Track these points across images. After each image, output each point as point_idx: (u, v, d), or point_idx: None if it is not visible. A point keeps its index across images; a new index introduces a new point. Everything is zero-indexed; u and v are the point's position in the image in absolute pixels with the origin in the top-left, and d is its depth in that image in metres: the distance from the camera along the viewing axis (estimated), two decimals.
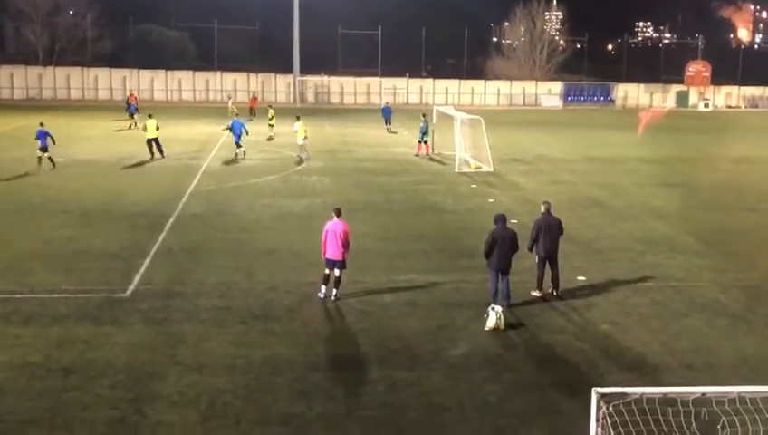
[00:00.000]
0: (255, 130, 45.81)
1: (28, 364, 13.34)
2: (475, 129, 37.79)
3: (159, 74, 78.18)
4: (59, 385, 12.56)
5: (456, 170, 35.48)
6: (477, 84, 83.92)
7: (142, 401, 12.10)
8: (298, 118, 40.40)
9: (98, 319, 15.66)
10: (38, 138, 33.78)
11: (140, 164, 35.65)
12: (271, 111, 49.28)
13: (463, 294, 17.77)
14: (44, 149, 33.69)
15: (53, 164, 33.58)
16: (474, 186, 32.25)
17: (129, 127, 49.84)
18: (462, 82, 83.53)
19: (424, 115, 41.49)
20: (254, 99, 63.54)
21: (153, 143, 37.27)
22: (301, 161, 37.46)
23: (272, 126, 47.85)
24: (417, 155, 40.08)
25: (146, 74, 77.61)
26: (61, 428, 11.21)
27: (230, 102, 57.38)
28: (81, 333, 14.85)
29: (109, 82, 76.68)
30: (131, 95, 60.37)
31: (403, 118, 57.47)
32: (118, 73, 77.07)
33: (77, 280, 18.08)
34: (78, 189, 29.43)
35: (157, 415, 11.69)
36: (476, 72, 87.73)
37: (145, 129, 37.65)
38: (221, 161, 37.44)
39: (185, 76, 78.73)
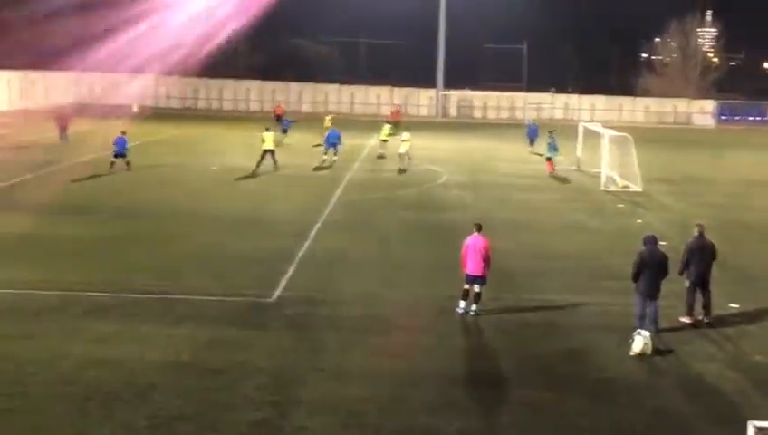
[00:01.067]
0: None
1: (179, 363, 13.90)
2: (623, 147, 36.81)
3: (307, 87, 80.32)
4: (207, 385, 13.01)
5: (602, 189, 34.67)
6: (625, 101, 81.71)
7: (285, 405, 12.37)
8: (407, 130, 41.42)
9: (245, 322, 16.15)
10: (116, 144, 35.51)
11: (288, 173, 36.55)
12: (387, 127, 46.47)
13: (607, 316, 17.29)
14: (121, 154, 35.33)
15: (112, 167, 35.05)
16: (620, 205, 31.42)
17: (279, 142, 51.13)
18: (609, 98, 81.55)
19: (551, 132, 40.75)
20: (398, 111, 63.34)
21: (269, 154, 36.93)
22: (403, 171, 37.52)
23: (385, 141, 44.35)
24: (550, 174, 39.04)
25: (295, 87, 79.91)
26: (208, 427, 11.59)
27: (327, 118, 51.80)
28: (230, 335, 15.36)
29: (260, 94, 79.43)
30: (279, 107, 62.27)
31: (543, 135, 56.45)
32: (268, 86, 79.72)
33: (226, 284, 18.71)
34: (229, 197, 30.54)
35: (299, 420, 11.92)
36: (625, 89, 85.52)
37: (263, 141, 37.13)
38: (365, 172, 37.98)
39: (331, 89, 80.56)
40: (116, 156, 35.49)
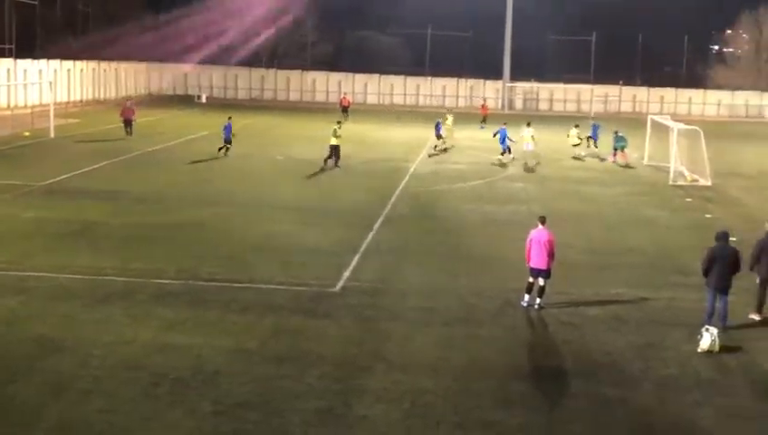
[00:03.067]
0: (467, 136, 46.04)
1: (244, 350, 14.05)
2: (693, 140, 36.05)
3: (373, 79, 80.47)
4: (272, 372, 13.14)
5: (671, 183, 34.04)
6: (695, 94, 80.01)
7: (349, 394, 12.42)
8: (528, 124, 40.83)
9: (310, 311, 16.26)
10: (224, 130, 37.10)
11: (352, 165, 36.69)
12: (449, 118, 46.31)
13: (675, 312, 16.96)
14: (229, 140, 36.93)
15: (226, 153, 36.79)
16: (689, 200, 30.79)
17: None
18: (679, 91, 79.92)
19: (616, 132, 40.56)
20: (484, 106, 61.27)
21: (334, 151, 35.54)
22: (531, 169, 37.20)
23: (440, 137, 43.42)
24: (627, 165, 38.66)
25: (360, 78, 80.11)
26: (274, 413, 11.70)
27: (448, 119, 47.69)
28: (294, 323, 15.48)
29: (326, 85, 79.86)
30: (344, 98, 62.53)
31: (611, 128, 55.54)
32: (334, 77, 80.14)
33: (292, 273, 18.86)
34: (294, 187, 30.78)
35: (362, 409, 11.95)
36: (695, 81, 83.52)
37: (336, 135, 35.68)
38: (429, 164, 37.91)
39: (397, 81, 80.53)
40: (226, 142, 37.24)
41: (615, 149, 40.15)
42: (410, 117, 64.54)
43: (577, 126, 43.05)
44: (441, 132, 42.89)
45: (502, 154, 39.25)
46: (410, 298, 17.34)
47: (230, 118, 38.53)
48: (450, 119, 46.65)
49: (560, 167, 39.00)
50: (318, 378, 12.95)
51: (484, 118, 58.50)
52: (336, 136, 35.52)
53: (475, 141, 47.25)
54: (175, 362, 13.31)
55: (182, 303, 16.43)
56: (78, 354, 13.54)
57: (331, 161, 35.35)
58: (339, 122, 37.60)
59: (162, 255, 20.09)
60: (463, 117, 58.26)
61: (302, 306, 16.54)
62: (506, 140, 39.16)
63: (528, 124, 40.69)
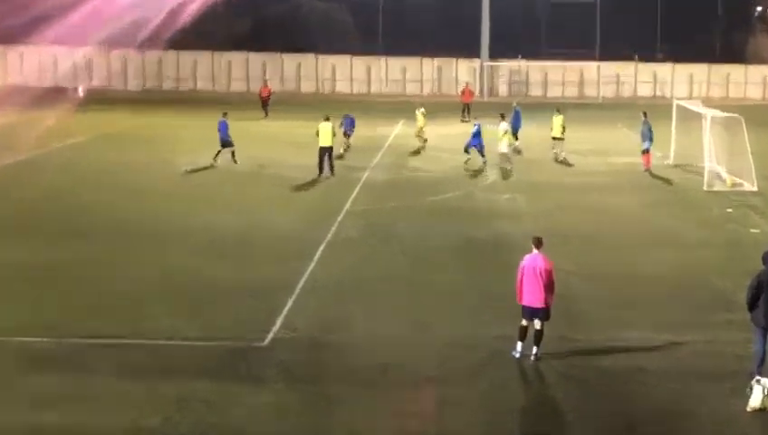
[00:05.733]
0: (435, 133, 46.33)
1: (142, 430, 13.96)
2: (733, 132, 36.62)
3: (308, 60, 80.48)
4: None
5: (705, 188, 34.52)
6: (735, 70, 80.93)
7: None
8: (503, 117, 40.70)
9: (228, 374, 16.16)
10: (219, 129, 38.25)
11: (284, 175, 36.70)
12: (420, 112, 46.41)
13: (714, 358, 17.20)
14: (227, 142, 38.16)
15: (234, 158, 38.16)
16: (729, 210, 31.27)
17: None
18: (713, 66, 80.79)
19: (645, 114, 40.52)
20: (466, 91, 60.90)
21: (327, 155, 36.16)
22: (509, 174, 37.50)
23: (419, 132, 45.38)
24: (646, 170, 38.93)
25: (291, 60, 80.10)
26: None
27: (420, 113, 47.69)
28: (208, 391, 15.40)
29: (245, 69, 79.61)
30: (265, 87, 62.44)
31: (624, 117, 56.36)
32: (256, 59, 79.86)
33: (202, 323, 18.75)
34: (208, 206, 30.65)
35: None
36: (733, 54, 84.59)
37: (317, 134, 36.58)
38: (387, 171, 38.03)
39: (340, 62, 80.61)
40: (223, 145, 38.00)
41: (645, 150, 39.42)
42: (360, 108, 64.69)
43: (558, 110, 43.25)
44: (348, 131, 42.93)
45: (469, 158, 39.60)
46: (364, 352, 17.35)
47: (225, 114, 39.37)
48: (421, 114, 46.31)
49: (556, 170, 39.37)
50: None
51: (467, 107, 58.70)
52: (319, 135, 36.54)
53: (448, 141, 47.47)
54: None
55: (56, 368, 16.27)
56: None
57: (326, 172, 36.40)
58: (327, 118, 37.55)
59: (27, 304, 19.85)
60: (430, 108, 58.53)
61: (218, 368, 16.46)
62: (479, 138, 39.40)
63: (502, 117, 40.56)
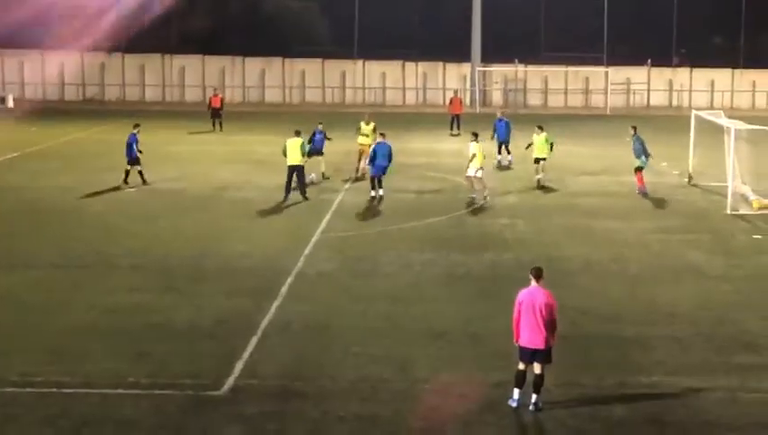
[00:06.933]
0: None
1: None
2: (761, 147, 36.80)
3: (274, 64, 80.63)
4: None
5: (729, 211, 34.67)
6: (762, 76, 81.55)
7: None
8: (475, 136, 39.89)
9: (180, 428, 16.06)
10: (128, 145, 38.18)
11: (245, 198, 36.69)
12: (363, 125, 44.17)
13: (743, 408, 17.20)
14: (135, 161, 38.14)
15: (143, 179, 38.16)
16: (757, 236, 31.42)
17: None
18: (737, 72, 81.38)
19: (635, 128, 40.24)
20: (455, 101, 60.56)
21: (295, 174, 36.07)
22: (472, 203, 37.10)
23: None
24: (641, 192, 38.71)
25: (254, 64, 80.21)
26: None
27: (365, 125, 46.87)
28: None
29: (201, 75, 79.69)
30: (215, 96, 62.24)
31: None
32: (213, 63, 79.96)
33: (151, 369, 18.61)
34: (158, 234, 30.59)
35: None
36: (760, 58, 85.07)
37: (284, 152, 36.36)
38: (364, 193, 37.99)
39: (310, 67, 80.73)
40: (130, 163, 38.01)
41: (639, 168, 39.40)
42: (332, 120, 64.74)
43: (540, 127, 42.25)
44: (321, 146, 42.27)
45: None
46: (338, 402, 17.24)
47: (137, 126, 39.45)
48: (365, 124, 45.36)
49: (560, 192, 39.44)
50: None
51: (456, 119, 58.92)
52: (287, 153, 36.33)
53: (433, 157, 47.49)
54: None
55: None
56: None
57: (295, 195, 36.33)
58: (297, 132, 37.41)
59: None
60: (414, 119, 58.78)
61: (168, 421, 16.34)
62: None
63: (475, 136, 39.54)
